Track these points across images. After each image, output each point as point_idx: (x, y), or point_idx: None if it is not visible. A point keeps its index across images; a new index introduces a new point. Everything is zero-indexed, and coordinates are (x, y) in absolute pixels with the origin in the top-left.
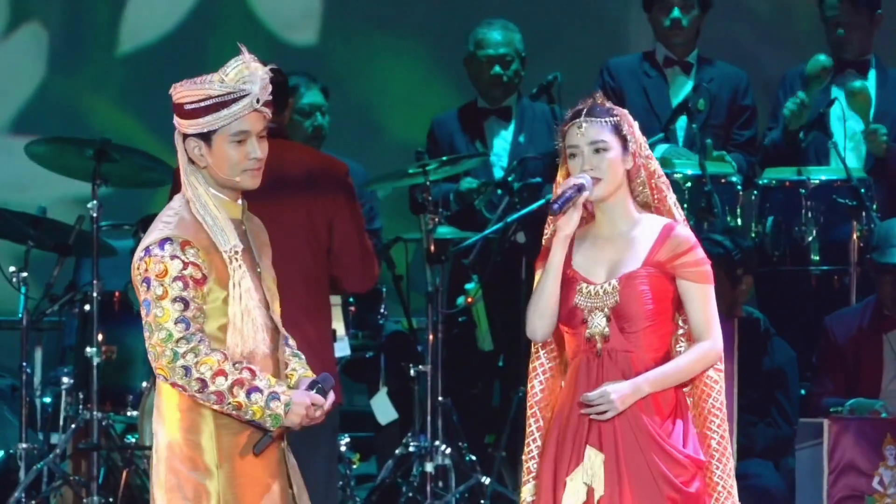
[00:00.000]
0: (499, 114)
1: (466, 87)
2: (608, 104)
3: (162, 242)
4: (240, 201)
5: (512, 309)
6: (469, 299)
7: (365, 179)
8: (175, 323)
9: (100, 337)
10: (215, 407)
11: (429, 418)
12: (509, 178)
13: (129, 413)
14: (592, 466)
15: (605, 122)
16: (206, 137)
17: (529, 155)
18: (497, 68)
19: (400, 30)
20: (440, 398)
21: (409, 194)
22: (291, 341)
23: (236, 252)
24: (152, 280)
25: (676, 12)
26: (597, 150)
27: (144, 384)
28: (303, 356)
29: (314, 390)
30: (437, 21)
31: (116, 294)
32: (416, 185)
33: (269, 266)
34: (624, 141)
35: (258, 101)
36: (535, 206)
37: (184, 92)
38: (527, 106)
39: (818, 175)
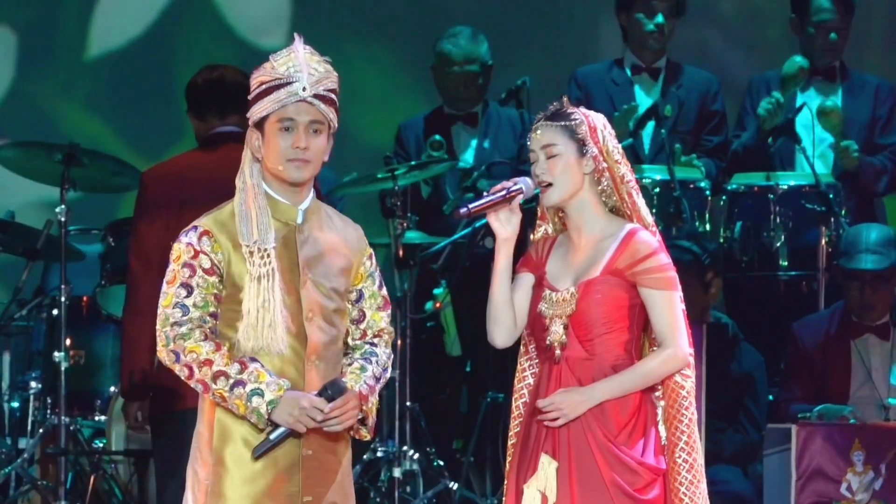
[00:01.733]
0: (465, 120)
1: (435, 93)
2: (573, 108)
3: (190, 230)
4: (303, 206)
5: (480, 314)
6: (437, 304)
7: (333, 184)
8: (173, 307)
9: (68, 342)
10: (206, 396)
11: (397, 423)
12: (478, 184)
13: (96, 418)
14: (546, 474)
15: (560, 125)
16: (260, 127)
17: (496, 160)
18: (461, 89)
19: (370, 35)
20: (408, 403)
21: (380, 198)
22: (379, 352)
23: (265, 250)
24: (170, 264)
25: (661, 18)
26: (549, 155)
27: (112, 389)
28: (372, 368)
29: (322, 396)
30: (407, 26)
31: (85, 299)
32: (385, 189)
33: (329, 279)
34: (580, 144)
35: (305, 89)
36: None
37: (251, 82)
38: (493, 112)
39: (787, 180)
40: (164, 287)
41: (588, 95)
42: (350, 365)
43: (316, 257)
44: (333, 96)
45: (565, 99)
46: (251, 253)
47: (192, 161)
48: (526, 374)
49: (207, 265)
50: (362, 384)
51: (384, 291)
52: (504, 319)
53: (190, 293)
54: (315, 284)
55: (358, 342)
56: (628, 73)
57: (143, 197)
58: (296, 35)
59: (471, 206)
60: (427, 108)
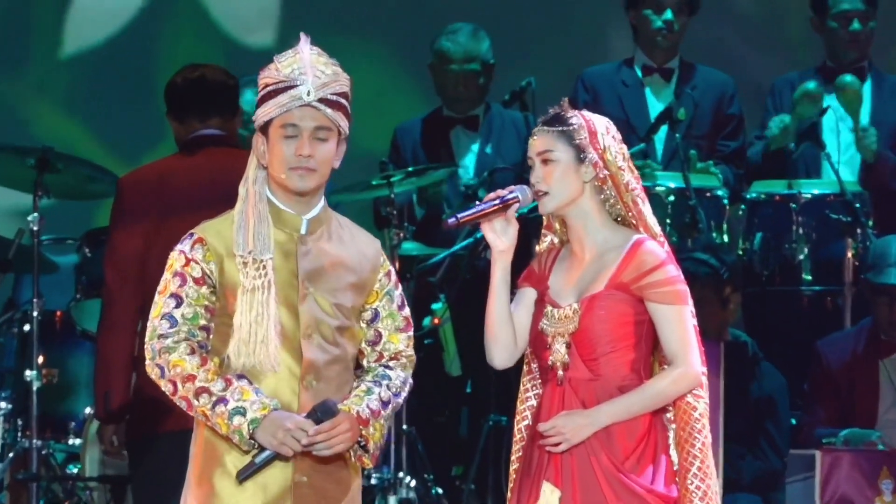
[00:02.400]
0: (465, 123)
1: (434, 94)
2: (572, 112)
3: (186, 237)
4: (309, 215)
5: (482, 331)
6: (436, 320)
7: (328, 191)
8: (161, 318)
9: (40, 359)
10: (191, 413)
11: (392, 448)
12: (479, 192)
13: (70, 441)
14: (548, 503)
15: (556, 131)
16: (265, 131)
17: (498, 166)
18: (461, 87)
19: (364, 31)
20: (404, 426)
21: (373, 207)
22: (392, 375)
23: (261, 261)
24: (164, 273)
25: (669, 14)
26: (545, 161)
27: (87, 410)
28: (379, 391)
29: (310, 418)
30: (404, 22)
31: (58, 313)
32: (379, 197)
33: (335, 295)
34: (578, 151)
35: (309, 93)
36: None
37: (259, 82)
38: (496, 114)
39: (810, 189)
40: (156, 297)
41: (596, 97)
42: (357, 387)
43: (319, 270)
44: (343, 101)
45: (565, 102)
46: (245, 264)
47: (172, 166)
48: (529, 396)
49: (198, 274)
50: (363, 407)
51: (406, 312)
52: (503, 338)
53: (179, 304)
54: (316, 300)
55: (373, 365)
56: (639, 73)
57: (119, 204)
58: (302, 35)
59: (460, 215)
60: (425, 110)
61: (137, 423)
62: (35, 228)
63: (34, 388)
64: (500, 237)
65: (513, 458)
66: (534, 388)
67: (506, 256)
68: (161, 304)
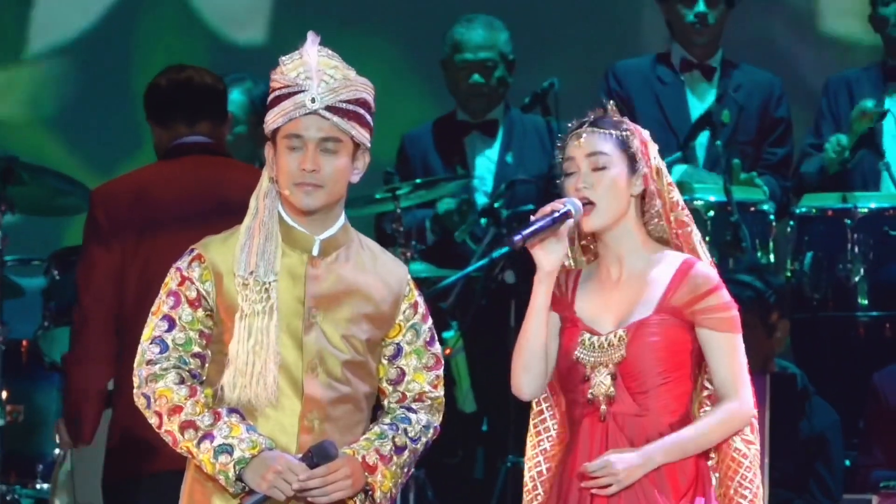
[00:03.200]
0: (482, 128)
1: (446, 96)
2: (620, 117)
3: (188, 251)
4: (323, 236)
5: (498, 362)
6: (447, 350)
7: None
8: (151, 342)
9: (3, 394)
10: (177, 449)
11: (398, 494)
12: (496, 205)
13: (38, 486)
14: None
15: (610, 134)
16: (273, 139)
17: (519, 177)
18: (476, 76)
19: (366, 27)
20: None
21: (376, 224)
22: (413, 419)
23: (264, 283)
24: (161, 290)
25: (702, 5)
26: (596, 166)
27: (57, 451)
28: (394, 434)
29: (305, 460)
30: (411, 17)
31: (24, 343)
32: (384, 212)
33: (348, 326)
34: (632, 160)
35: (314, 100)
36: None
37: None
38: (516, 119)
39: (867, 202)
40: (150, 317)
41: (629, 96)
42: (371, 430)
43: (330, 297)
44: (359, 109)
45: (612, 104)
46: (245, 285)
47: (153, 176)
48: (542, 439)
49: (193, 295)
50: (370, 452)
51: (436, 349)
52: (536, 367)
53: (171, 327)
54: (324, 330)
55: (394, 406)
56: (677, 69)
57: (93, 219)
58: (310, 34)
59: (525, 232)
60: (435, 114)
61: (114, 465)
62: None
63: None
64: (549, 256)
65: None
66: (546, 430)
67: (552, 277)
68: (153, 325)
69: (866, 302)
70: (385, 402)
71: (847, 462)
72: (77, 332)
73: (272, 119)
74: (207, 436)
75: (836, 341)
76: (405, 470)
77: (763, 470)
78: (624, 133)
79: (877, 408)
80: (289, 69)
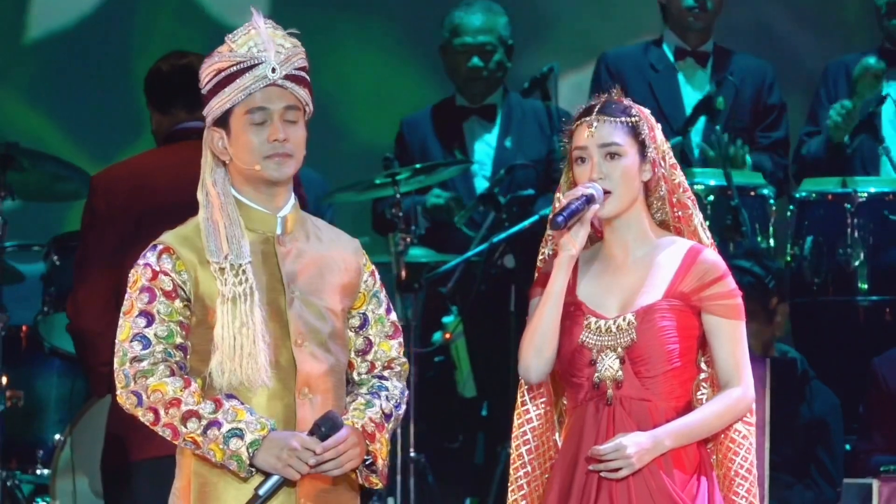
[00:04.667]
0: (481, 113)
1: (444, 81)
2: (627, 101)
3: (148, 250)
4: (282, 213)
5: (499, 347)
6: (447, 335)
7: (322, 190)
8: (131, 341)
9: (4, 380)
10: (177, 443)
11: (399, 478)
12: (495, 190)
13: (38, 471)
14: None
15: (622, 122)
16: (224, 123)
17: (518, 162)
18: (475, 60)
19: (365, 11)
20: (412, 453)
21: (373, 209)
22: (389, 386)
23: (239, 266)
24: (128, 291)
25: None
26: (609, 156)
27: (58, 437)
28: (380, 402)
29: (314, 433)
30: (410, 2)
31: (24, 329)
32: (382, 197)
33: (322, 297)
34: (642, 147)
35: (274, 70)
36: (526, 223)
37: (201, 74)
38: (515, 104)
39: (867, 187)
40: (121, 319)
41: (622, 83)
42: (354, 401)
43: (303, 271)
44: (307, 76)
45: (618, 89)
46: (222, 270)
47: (153, 162)
48: (529, 410)
49: (169, 287)
50: (366, 421)
51: (393, 316)
52: (548, 350)
53: (150, 322)
54: (304, 303)
55: (365, 376)
56: (670, 56)
57: (92, 205)
58: (253, 9)
59: (566, 213)
60: (434, 99)
61: (115, 449)
62: None
63: None
64: (574, 239)
65: (512, 486)
66: (535, 408)
67: (572, 263)
68: (129, 325)
69: (866, 286)
70: (354, 374)
71: (847, 446)
72: (73, 317)
73: (225, 99)
74: (213, 423)
75: (836, 326)
76: (390, 437)
77: (763, 455)
78: (634, 119)
79: (876, 392)
80: (238, 45)
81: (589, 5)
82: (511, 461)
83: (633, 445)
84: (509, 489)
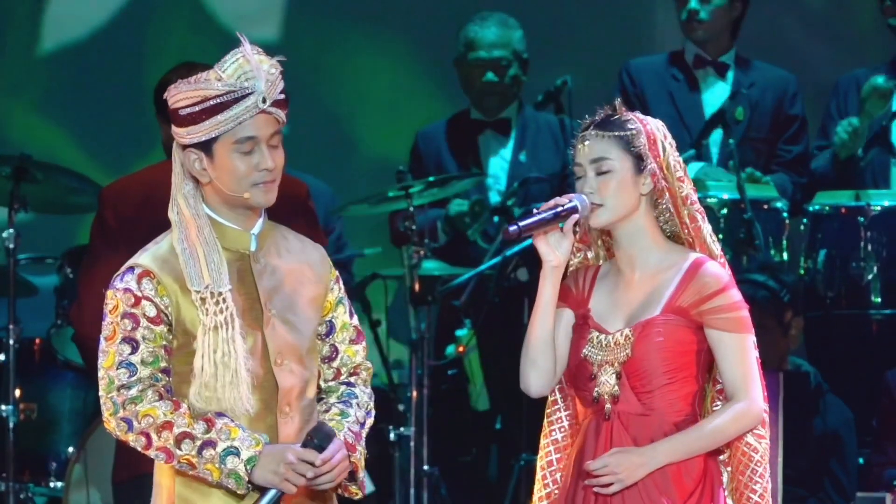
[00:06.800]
0: (495, 127)
1: (459, 94)
2: (628, 114)
3: (125, 272)
4: (256, 229)
5: (512, 361)
6: (460, 348)
7: (334, 203)
8: (117, 368)
9: (17, 392)
10: (172, 466)
11: (412, 491)
12: (508, 203)
13: (51, 484)
14: None
15: (613, 136)
16: (206, 147)
17: (533, 176)
18: (490, 74)
19: (380, 23)
20: (426, 467)
21: (390, 222)
22: (358, 393)
23: (219, 294)
24: (106, 317)
25: (693, 3)
26: (599, 171)
27: (71, 449)
28: (354, 412)
29: (308, 446)
30: (425, 14)
31: (37, 341)
32: (397, 210)
33: (297, 312)
34: (637, 159)
35: (265, 100)
36: None
37: (178, 95)
38: (530, 117)
39: (880, 200)
40: (103, 345)
41: (643, 93)
42: (327, 412)
43: (277, 288)
44: (285, 95)
45: (618, 102)
46: (203, 300)
47: (162, 174)
48: (554, 429)
49: (153, 313)
50: (346, 432)
51: (355, 321)
52: (543, 363)
53: (135, 349)
54: (282, 321)
55: (332, 384)
56: (691, 66)
57: (102, 218)
58: (239, 34)
59: (521, 224)
60: (448, 112)
61: (126, 461)
62: (11, 246)
63: (10, 425)
64: (555, 251)
65: (535, 497)
66: (559, 420)
67: (558, 273)
68: (113, 352)
69: (879, 300)
70: (321, 381)
71: (860, 460)
72: (77, 328)
73: (212, 127)
74: (208, 443)
75: (850, 339)
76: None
77: (776, 468)
78: (628, 133)
79: (890, 406)
80: (228, 74)
81: (604, 19)
82: (535, 473)
83: (623, 461)
84: (533, 500)
